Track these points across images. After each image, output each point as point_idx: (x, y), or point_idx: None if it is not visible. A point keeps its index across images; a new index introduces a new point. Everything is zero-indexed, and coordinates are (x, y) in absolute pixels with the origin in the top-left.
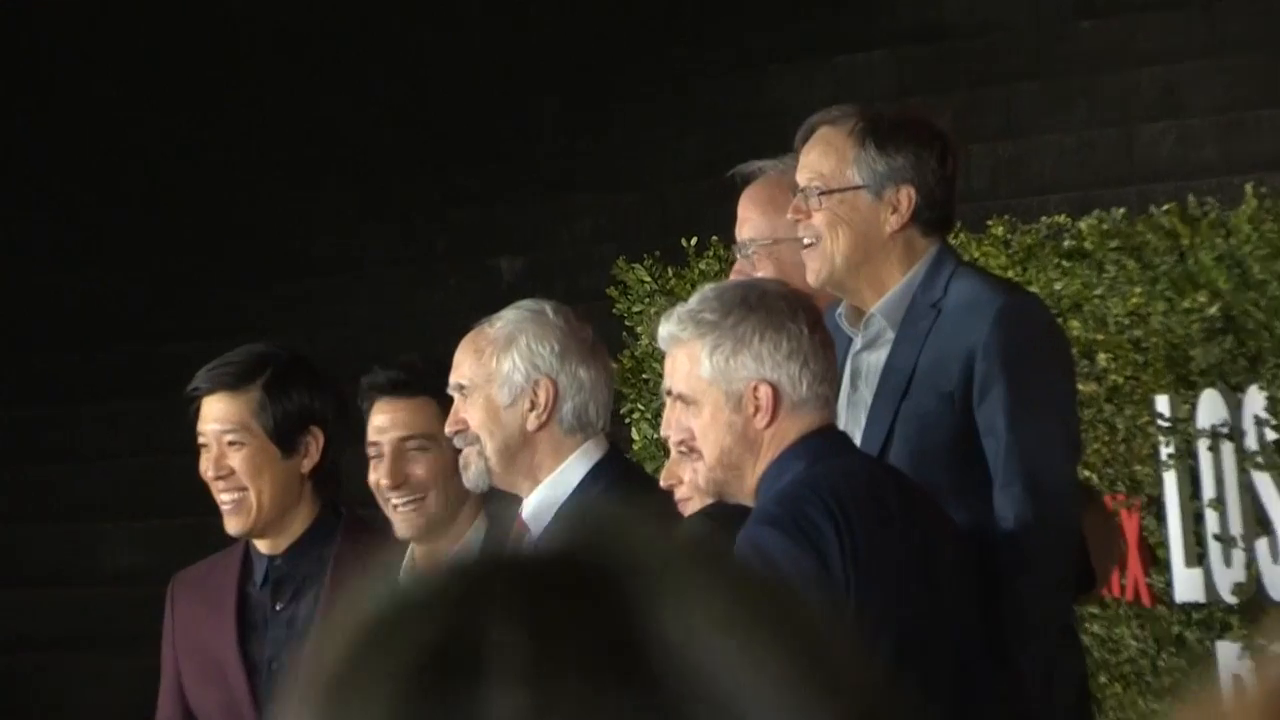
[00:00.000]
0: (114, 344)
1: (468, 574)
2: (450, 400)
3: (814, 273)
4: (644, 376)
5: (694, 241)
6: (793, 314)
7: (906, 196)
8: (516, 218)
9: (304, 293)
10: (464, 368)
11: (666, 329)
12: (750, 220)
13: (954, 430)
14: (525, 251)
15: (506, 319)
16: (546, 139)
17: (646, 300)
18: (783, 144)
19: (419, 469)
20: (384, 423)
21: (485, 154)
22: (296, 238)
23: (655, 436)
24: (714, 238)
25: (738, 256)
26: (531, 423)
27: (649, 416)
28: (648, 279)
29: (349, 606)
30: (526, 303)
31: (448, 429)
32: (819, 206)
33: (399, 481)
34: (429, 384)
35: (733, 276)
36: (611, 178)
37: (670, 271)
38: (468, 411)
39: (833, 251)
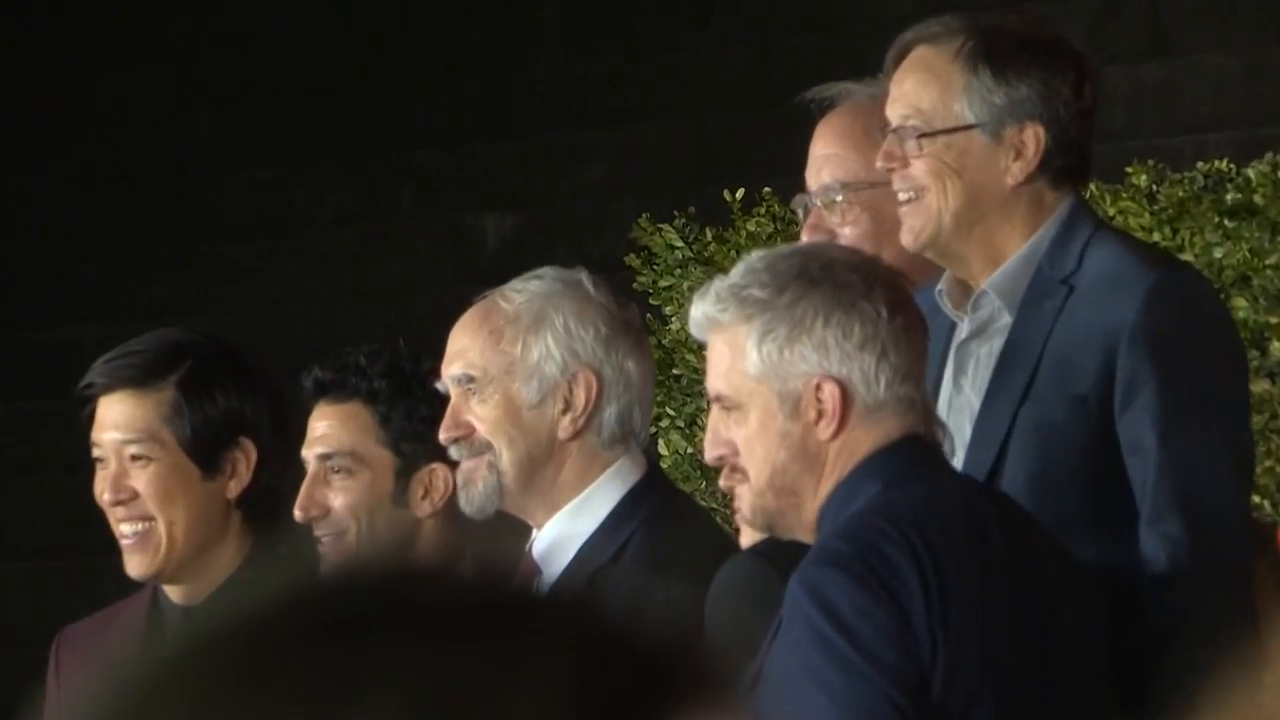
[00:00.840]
0: None
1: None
2: (394, 406)
3: (914, 233)
4: (675, 373)
5: (740, 194)
6: (867, 290)
7: (1033, 137)
8: (504, 162)
9: (228, 261)
10: (472, 354)
11: (702, 310)
12: (836, 158)
13: (1089, 445)
14: (516, 206)
15: (531, 291)
16: (543, 59)
17: (678, 271)
18: (860, 63)
19: (337, 497)
20: (310, 435)
21: (462, 80)
22: (217, 189)
23: (690, 452)
24: (766, 189)
25: (814, 205)
26: (564, 429)
27: (681, 425)
28: (679, 243)
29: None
30: (551, 271)
31: (443, 435)
32: (918, 152)
33: (310, 512)
34: (360, 386)
35: (806, 235)
36: (629, 109)
37: (709, 234)
38: (475, 411)
39: (940, 209)
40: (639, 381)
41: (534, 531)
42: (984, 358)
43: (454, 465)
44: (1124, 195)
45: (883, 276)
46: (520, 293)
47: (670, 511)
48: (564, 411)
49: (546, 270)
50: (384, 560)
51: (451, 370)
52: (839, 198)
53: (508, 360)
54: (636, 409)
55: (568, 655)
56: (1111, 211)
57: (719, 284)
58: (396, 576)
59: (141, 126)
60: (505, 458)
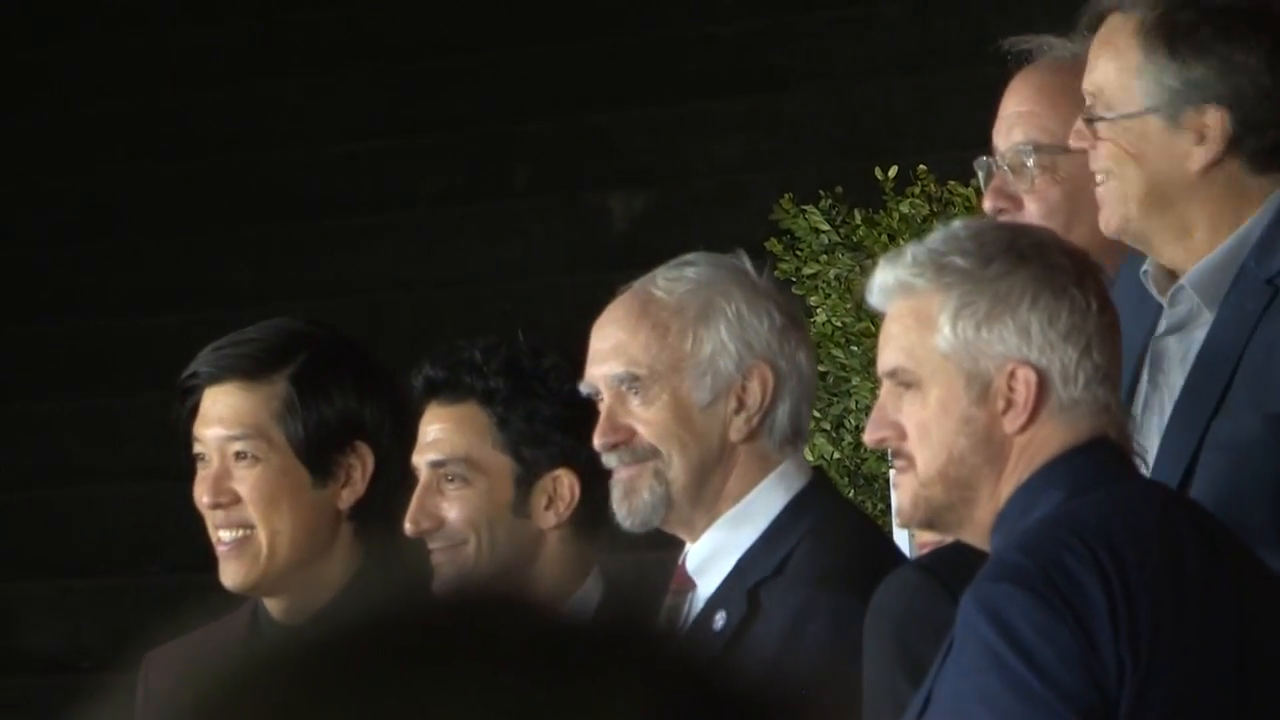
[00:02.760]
0: (30, 316)
1: None
2: (513, 407)
3: (1104, 218)
4: (820, 369)
5: (893, 172)
6: (1079, 277)
7: (1215, 120)
8: (631, 134)
9: (319, 243)
10: (634, 350)
11: (894, 274)
12: (1030, 116)
13: None
14: (645, 183)
15: (692, 279)
16: (675, 19)
17: (823, 257)
18: (1027, 19)
19: (451, 508)
20: (422, 440)
21: (585, 40)
22: (307, 162)
23: (837, 457)
24: (921, 166)
25: (999, 168)
26: (737, 430)
27: (827, 427)
28: (825, 226)
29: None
30: (703, 256)
31: (599, 440)
32: (1097, 135)
33: (422, 524)
34: (476, 385)
35: (987, 202)
36: (770, 72)
37: (858, 216)
38: (637, 414)
39: (1125, 194)
40: (809, 376)
41: (686, 544)
42: (1179, 357)
43: (580, 471)
44: None
45: (1093, 268)
46: (677, 281)
47: (837, 520)
48: (737, 410)
49: (698, 255)
50: (465, 585)
51: (606, 369)
52: (1029, 161)
53: (676, 356)
54: (805, 406)
55: (644, 692)
56: None
57: (916, 248)
58: (476, 604)
59: (221, 91)
60: (676, 464)
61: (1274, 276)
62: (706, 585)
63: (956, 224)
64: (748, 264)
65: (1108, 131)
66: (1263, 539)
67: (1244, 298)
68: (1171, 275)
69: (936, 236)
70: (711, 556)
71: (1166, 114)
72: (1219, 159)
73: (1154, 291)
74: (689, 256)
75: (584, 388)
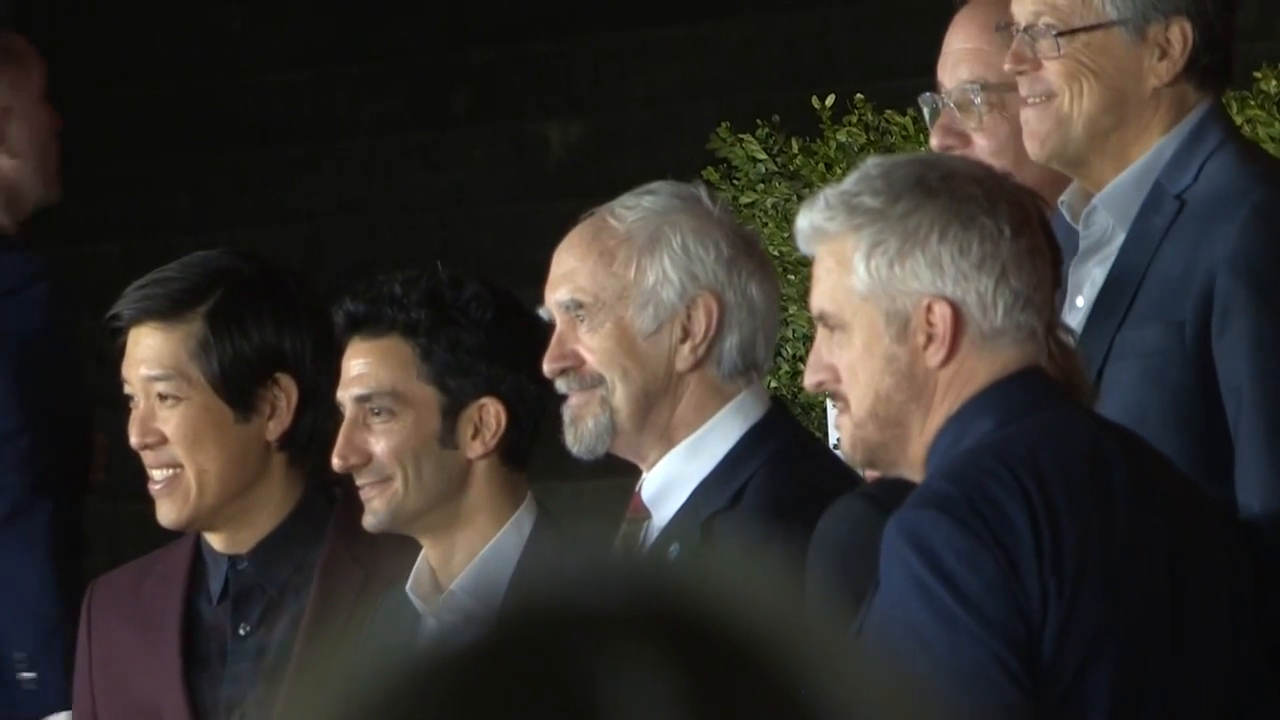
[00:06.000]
0: None
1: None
2: (435, 337)
3: (1039, 139)
4: None
5: (830, 100)
6: (990, 205)
7: (1180, 34)
8: (570, 62)
9: (262, 172)
10: (580, 277)
11: (809, 219)
12: (978, 53)
13: (1185, 378)
14: (583, 112)
15: (644, 208)
16: None
17: (761, 186)
18: None
19: (378, 442)
20: (345, 375)
21: None
22: (249, 90)
23: (774, 386)
24: (859, 95)
25: (946, 105)
26: (683, 360)
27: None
28: (762, 155)
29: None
30: (665, 185)
31: (548, 366)
32: (1055, 53)
33: (350, 459)
34: (397, 318)
35: (935, 139)
36: (709, 2)
37: (795, 145)
38: (585, 341)
39: (1071, 114)
40: (763, 308)
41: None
42: (1097, 279)
43: (506, 399)
44: (1252, 102)
45: (1009, 192)
46: (632, 209)
47: (794, 452)
48: (682, 340)
49: (660, 185)
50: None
51: (557, 295)
52: (977, 99)
53: (621, 284)
54: (760, 338)
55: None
56: (1239, 120)
57: (830, 191)
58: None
59: (164, 18)
60: (619, 393)
61: (1182, 191)
62: (662, 515)
63: (870, 162)
64: (704, 194)
65: (1066, 46)
66: (1171, 450)
67: (1153, 213)
68: (1089, 201)
69: (850, 177)
70: (667, 486)
71: (1134, 25)
72: (1177, 76)
73: (1069, 218)
74: (652, 185)
75: (542, 312)
